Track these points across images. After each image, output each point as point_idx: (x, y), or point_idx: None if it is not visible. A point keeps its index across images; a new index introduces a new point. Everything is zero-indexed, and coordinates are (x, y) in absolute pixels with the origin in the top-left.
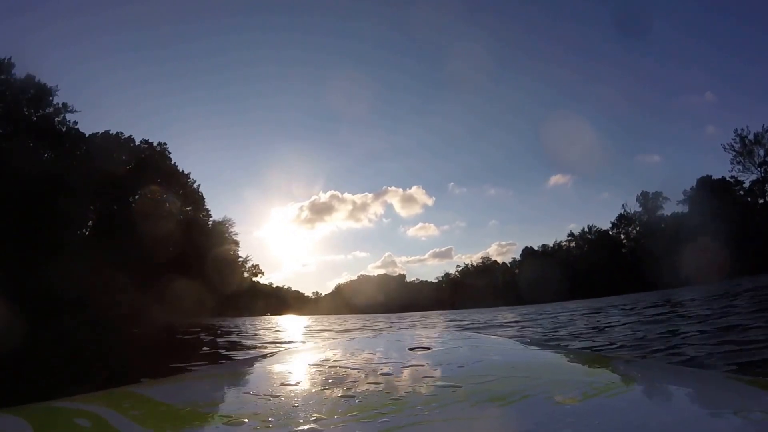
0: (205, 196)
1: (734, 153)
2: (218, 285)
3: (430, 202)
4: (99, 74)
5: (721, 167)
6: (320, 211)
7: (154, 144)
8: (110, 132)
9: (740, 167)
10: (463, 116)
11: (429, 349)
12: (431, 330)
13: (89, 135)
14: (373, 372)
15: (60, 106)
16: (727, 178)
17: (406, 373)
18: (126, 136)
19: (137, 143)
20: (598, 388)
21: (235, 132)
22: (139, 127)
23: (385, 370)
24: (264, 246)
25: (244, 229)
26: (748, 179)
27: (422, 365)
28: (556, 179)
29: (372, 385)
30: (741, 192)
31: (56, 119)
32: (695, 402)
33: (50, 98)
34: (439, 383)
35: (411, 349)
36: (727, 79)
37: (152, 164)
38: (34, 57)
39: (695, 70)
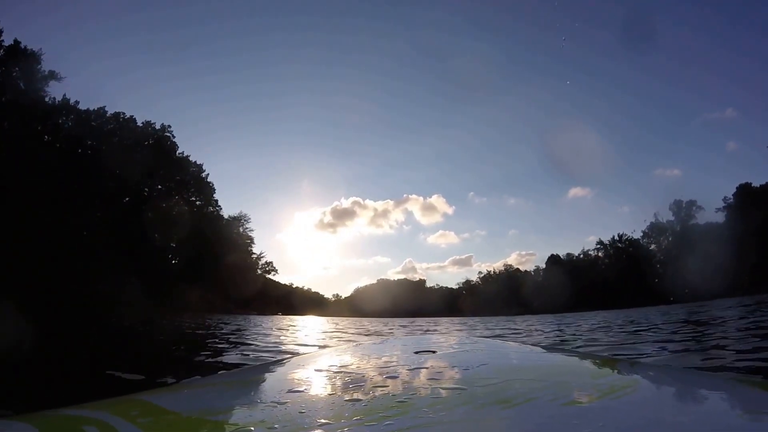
0: (215, 187)
1: None
2: (230, 283)
3: (450, 210)
4: (126, 76)
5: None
6: (342, 216)
7: (157, 126)
8: (105, 109)
9: None
10: (483, 127)
11: (434, 352)
12: (438, 334)
13: (84, 110)
14: (379, 375)
15: (47, 73)
16: None
17: (411, 376)
18: (127, 116)
19: (139, 124)
20: (603, 390)
21: (260, 137)
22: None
23: (391, 373)
24: (287, 248)
25: (267, 232)
26: None
27: (427, 368)
28: (575, 191)
29: (378, 389)
30: None
31: (46, 88)
32: (702, 405)
33: (38, 66)
34: (445, 386)
35: (417, 353)
36: (749, 96)
37: (158, 150)
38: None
39: (716, 86)
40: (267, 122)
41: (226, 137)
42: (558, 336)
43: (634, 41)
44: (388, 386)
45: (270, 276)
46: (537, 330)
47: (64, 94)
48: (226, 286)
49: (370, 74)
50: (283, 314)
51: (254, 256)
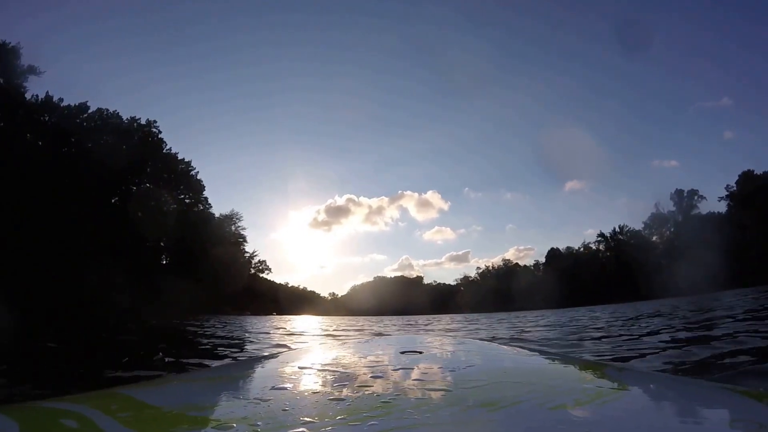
0: (208, 186)
1: None
2: (222, 283)
3: (445, 206)
4: (115, 76)
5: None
6: (337, 214)
7: (142, 122)
8: (87, 104)
9: None
10: (478, 122)
11: (421, 353)
12: (425, 334)
13: (65, 105)
14: (364, 375)
15: (26, 68)
16: None
17: (396, 376)
18: (111, 111)
19: (125, 120)
20: (590, 395)
21: (252, 137)
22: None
23: (376, 373)
24: (282, 248)
25: (261, 231)
26: None
27: (413, 368)
28: (572, 185)
29: (362, 388)
30: None
31: (24, 84)
32: (688, 411)
33: (17, 61)
34: (430, 387)
35: (402, 353)
36: (744, 84)
37: (144, 146)
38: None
39: (711, 76)
40: (259, 121)
41: (219, 137)
42: None
43: (630, 36)
44: (372, 386)
45: (264, 275)
46: None
47: (47, 91)
48: (218, 286)
49: (364, 70)
50: (278, 314)
51: (247, 255)
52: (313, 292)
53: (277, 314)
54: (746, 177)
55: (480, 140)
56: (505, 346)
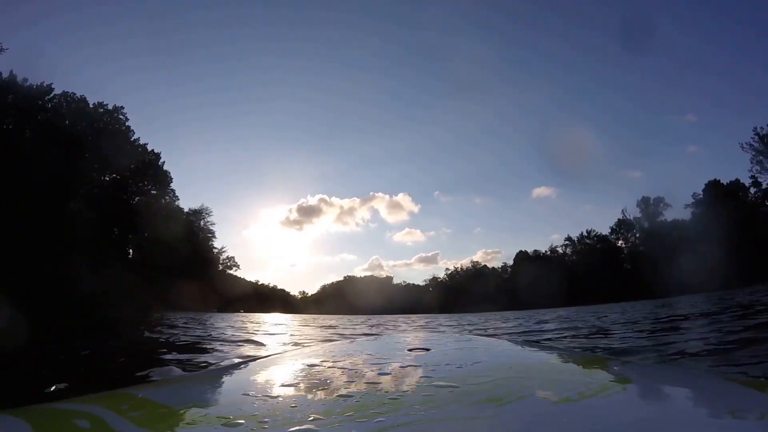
0: (182, 181)
1: (753, 152)
2: (188, 278)
3: (416, 209)
4: (87, 62)
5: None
6: (308, 213)
7: (109, 107)
8: (51, 86)
9: (758, 167)
10: (451, 127)
11: (428, 350)
12: (430, 332)
13: (27, 85)
14: (371, 372)
15: None
16: (741, 181)
17: (403, 373)
18: (78, 96)
19: (91, 106)
20: (594, 388)
21: (226, 132)
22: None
23: (383, 370)
24: (254, 245)
25: (234, 228)
26: (767, 180)
27: (420, 366)
28: (540, 191)
29: (370, 385)
30: (758, 194)
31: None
32: (690, 403)
33: None
34: (437, 383)
35: (411, 350)
36: (708, 102)
37: (109, 134)
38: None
39: (678, 91)
40: (235, 115)
41: (190, 130)
42: None
43: (628, 43)
44: (380, 383)
45: (232, 272)
46: None
47: (11, 70)
48: (184, 282)
49: (345, 68)
50: (245, 312)
51: (215, 250)
52: (283, 291)
53: (245, 312)
54: (712, 186)
55: (452, 144)
56: (511, 343)
